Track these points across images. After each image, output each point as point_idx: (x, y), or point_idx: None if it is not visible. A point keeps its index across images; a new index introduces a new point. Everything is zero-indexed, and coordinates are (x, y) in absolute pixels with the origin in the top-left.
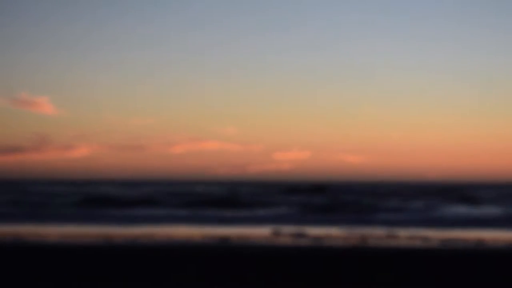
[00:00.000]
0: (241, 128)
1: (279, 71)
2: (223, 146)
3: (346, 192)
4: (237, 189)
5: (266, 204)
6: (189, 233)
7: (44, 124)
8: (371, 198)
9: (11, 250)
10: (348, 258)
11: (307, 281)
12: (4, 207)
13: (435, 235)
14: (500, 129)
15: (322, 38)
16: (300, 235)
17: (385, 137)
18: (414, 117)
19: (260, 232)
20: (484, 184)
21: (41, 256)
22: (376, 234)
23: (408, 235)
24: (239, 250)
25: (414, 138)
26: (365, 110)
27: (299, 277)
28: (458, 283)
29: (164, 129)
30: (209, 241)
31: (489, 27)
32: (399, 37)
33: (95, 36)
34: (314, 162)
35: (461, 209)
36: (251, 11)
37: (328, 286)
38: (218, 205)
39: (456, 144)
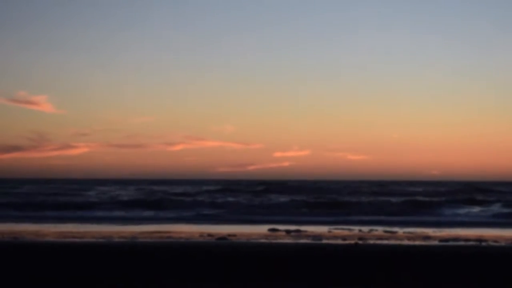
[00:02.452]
0: (240, 127)
1: (279, 71)
2: (223, 145)
3: (328, 191)
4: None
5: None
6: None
7: (43, 123)
8: (349, 197)
9: None
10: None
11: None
12: None
13: (435, 234)
14: (505, 127)
15: (322, 37)
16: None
17: (386, 136)
18: (414, 116)
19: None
20: (490, 182)
21: None
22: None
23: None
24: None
25: (414, 137)
26: (366, 109)
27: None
28: (455, 282)
29: (163, 128)
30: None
31: (497, 25)
32: (402, 36)
33: (94, 35)
34: (314, 160)
35: (463, 209)
36: (249, 9)
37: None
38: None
39: (460, 143)
